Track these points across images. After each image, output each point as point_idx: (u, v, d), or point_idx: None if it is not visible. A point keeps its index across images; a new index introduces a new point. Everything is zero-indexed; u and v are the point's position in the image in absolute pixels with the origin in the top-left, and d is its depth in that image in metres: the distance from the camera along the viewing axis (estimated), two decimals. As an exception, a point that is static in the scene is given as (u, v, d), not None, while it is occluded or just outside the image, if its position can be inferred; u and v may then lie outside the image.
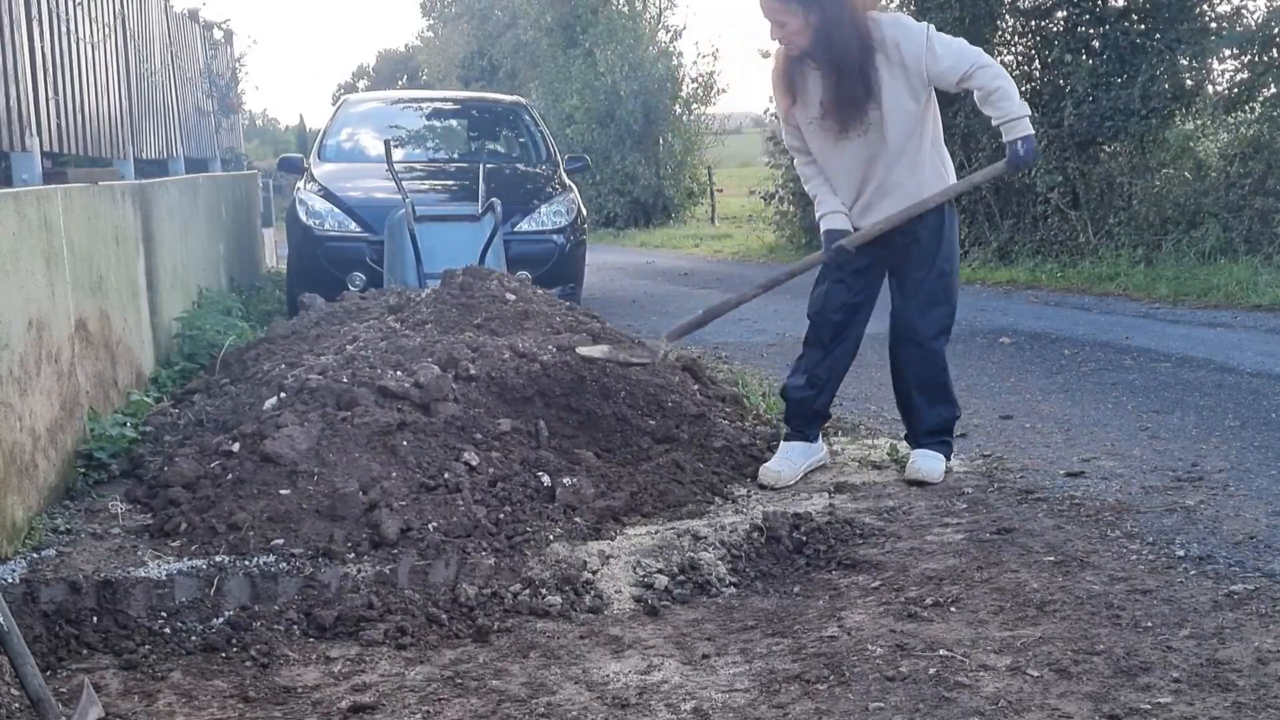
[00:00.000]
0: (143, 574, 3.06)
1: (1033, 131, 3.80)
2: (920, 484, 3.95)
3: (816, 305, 4.09)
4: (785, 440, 4.17)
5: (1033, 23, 12.30)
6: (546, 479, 3.70)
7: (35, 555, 3.18)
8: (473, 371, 4.09)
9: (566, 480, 3.70)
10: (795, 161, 4.14)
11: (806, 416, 4.15)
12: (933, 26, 3.83)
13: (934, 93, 3.91)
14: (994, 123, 3.85)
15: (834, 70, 3.75)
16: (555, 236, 7.84)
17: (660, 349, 3.94)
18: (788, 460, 4.08)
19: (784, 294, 10.02)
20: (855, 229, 3.99)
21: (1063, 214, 11.52)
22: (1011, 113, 3.76)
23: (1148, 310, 8.40)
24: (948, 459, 4.10)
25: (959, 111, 12.22)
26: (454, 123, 10.17)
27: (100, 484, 3.94)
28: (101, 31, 5.79)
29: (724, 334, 7.86)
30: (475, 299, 4.80)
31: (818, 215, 4.05)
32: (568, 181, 8.55)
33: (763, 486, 3.98)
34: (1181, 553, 3.20)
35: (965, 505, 3.74)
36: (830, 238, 3.97)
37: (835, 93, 3.78)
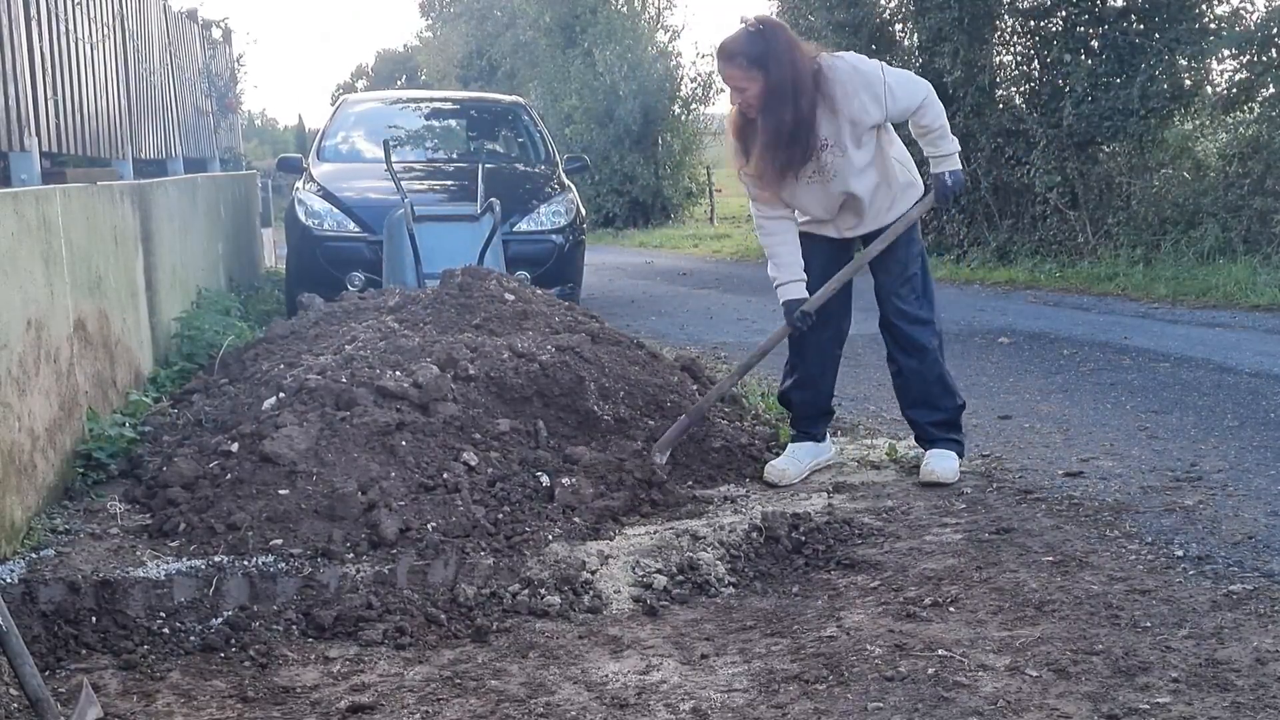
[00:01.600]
0: (141, 574, 3.06)
1: (961, 166, 3.98)
2: (936, 485, 3.92)
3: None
4: (792, 441, 4.21)
5: (1032, 23, 12.29)
6: (545, 479, 3.71)
7: (34, 555, 3.18)
8: (471, 371, 4.09)
9: (565, 480, 3.70)
10: (754, 215, 4.10)
11: (808, 417, 4.20)
12: (885, 65, 3.89)
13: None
14: (928, 155, 3.97)
15: (769, 134, 3.77)
16: (554, 236, 7.84)
17: (660, 459, 3.98)
18: (793, 459, 4.12)
19: (783, 294, 10.03)
20: (854, 238, 4.10)
21: (1061, 214, 11.51)
22: (947, 149, 3.94)
23: (1146, 310, 8.41)
24: (961, 456, 4.09)
25: (956, 112, 12.22)
26: (453, 123, 10.16)
27: (99, 484, 3.94)
28: (100, 31, 5.79)
29: (722, 334, 7.87)
30: (474, 299, 4.79)
31: (774, 283, 4.02)
32: (566, 181, 8.55)
33: (768, 484, 4.01)
34: (1180, 553, 3.20)
35: (964, 505, 3.74)
36: (790, 308, 3.98)
37: (768, 156, 3.79)
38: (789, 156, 3.79)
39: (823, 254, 4.08)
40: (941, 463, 4.00)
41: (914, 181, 4.08)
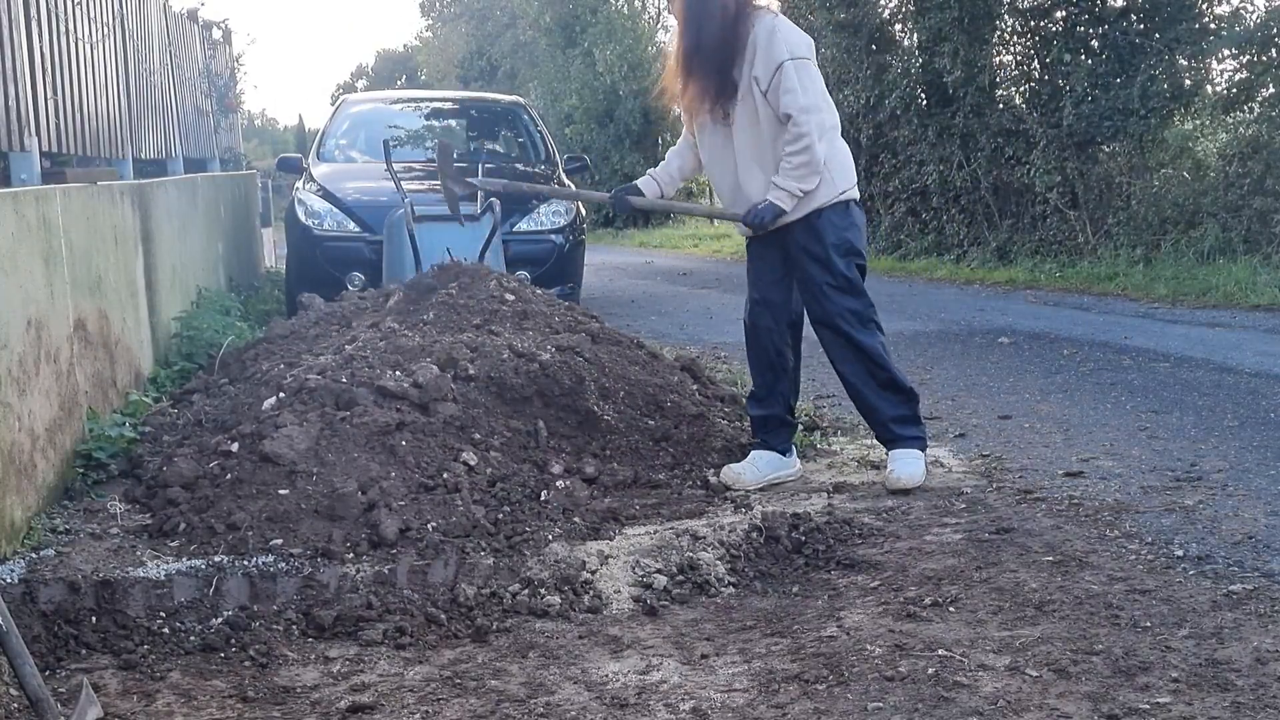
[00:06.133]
0: (141, 574, 3.06)
1: (785, 208, 3.82)
2: (905, 493, 3.87)
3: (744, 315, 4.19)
4: (754, 449, 4.13)
5: (1032, 22, 12.29)
6: (546, 479, 3.70)
7: (34, 555, 3.18)
8: (472, 371, 4.09)
9: (563, 482, 3.70)
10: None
11: (767, 429, 4.13)
12: (807, 57, 3.80)
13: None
14: (772, 178, 3.84)
15: (685, 60, 3.90)
16: (554, 236, 7.84)
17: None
18: (753, 466, 4.03)
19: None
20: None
21: (1062, 214, 11.52)
22: (787, 185, 3.80)
23: (1146, 310, 8.41)
24: (923, 450, 4.02)
25: (957, 111, 12.23)
26: (453, 123, 10.17)
27: (99, 484, 3.94)
28: (100, 31, 5.79)
29: (722, 334, 7.86)
30: (474, 299, 4.79)
31: None
32: (567, 181, 8.55)
33: (724, 485, 3.96)
34: (1180, 552, 3.21)
35: (964, 505, 3.74)
36: (616, 193, 4.26)
37: (684, 82, 3.94)
38: (700, 87, 3.86)
39: (757, 261, 4.09)
40: (904, 468, 3.92)
41: (826, 183, 3.86)
